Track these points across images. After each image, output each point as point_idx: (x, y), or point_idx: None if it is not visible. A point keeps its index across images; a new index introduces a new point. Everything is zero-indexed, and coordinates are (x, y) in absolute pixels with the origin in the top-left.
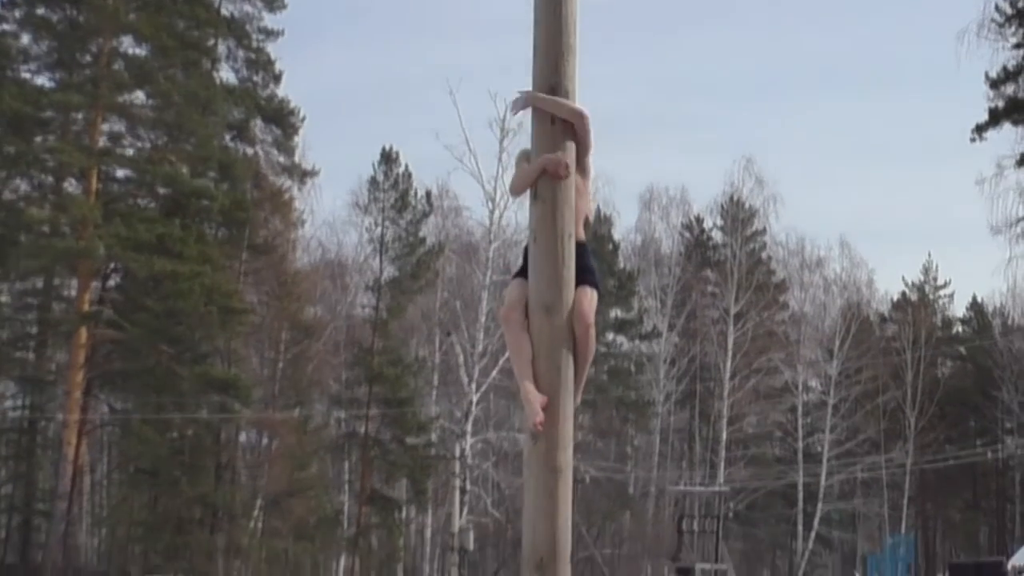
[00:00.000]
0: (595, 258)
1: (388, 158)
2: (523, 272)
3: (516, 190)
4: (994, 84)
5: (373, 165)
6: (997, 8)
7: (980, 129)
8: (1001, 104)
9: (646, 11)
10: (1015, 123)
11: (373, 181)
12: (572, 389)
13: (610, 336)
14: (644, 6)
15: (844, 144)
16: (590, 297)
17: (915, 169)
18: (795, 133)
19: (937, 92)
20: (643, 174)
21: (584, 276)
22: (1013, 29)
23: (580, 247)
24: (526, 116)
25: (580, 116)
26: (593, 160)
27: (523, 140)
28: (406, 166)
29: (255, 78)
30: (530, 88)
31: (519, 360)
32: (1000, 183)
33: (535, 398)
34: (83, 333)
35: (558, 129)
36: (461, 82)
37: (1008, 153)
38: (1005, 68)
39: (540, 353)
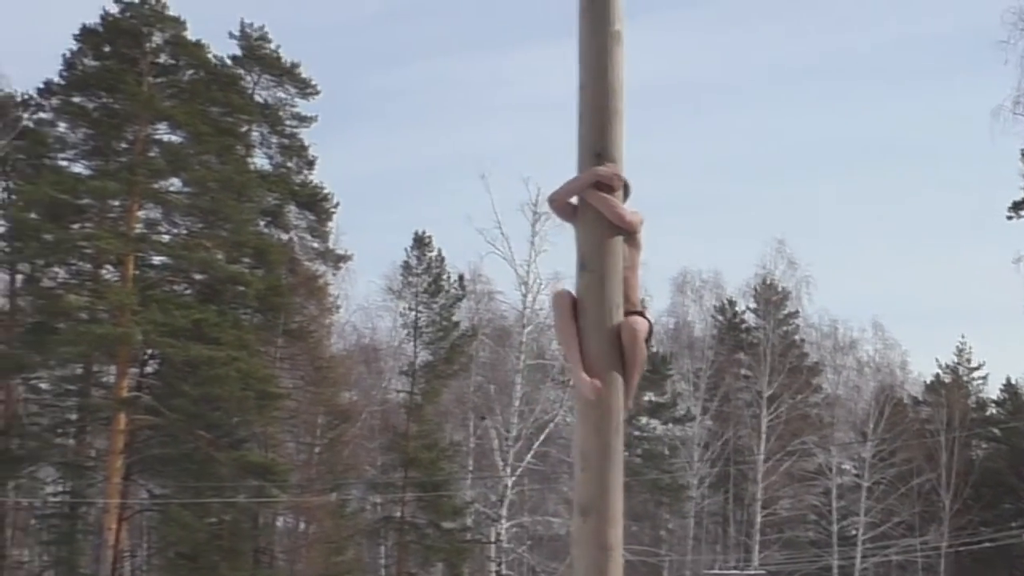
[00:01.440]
0: None
1: (421, 242)
2: None
3: (557, 199)
4: None
5: (406, 250)
6: None
7: (1017, 206)
8: None
9: (672, 93)
10: None
11: (406, 266)
12: (621, 465)
13: (643, 419)
14: (667, 89)
15: (877, 224)
16: (640, 319)
17: (949, 249)
18: (827, 213)
19: (971, 170)
20: (676, 258)
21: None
22: None
23: (639, 314)
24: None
25: (623, 221)
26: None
27: (555, 224)
28: (439, 250)
29: (289, 164)
30: (575, 160)
31: (567, 341)
32: None
33: (584, 375)
34: (122, 419)
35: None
36: (493, 166)
37: None
38: None
39: (588, 429)
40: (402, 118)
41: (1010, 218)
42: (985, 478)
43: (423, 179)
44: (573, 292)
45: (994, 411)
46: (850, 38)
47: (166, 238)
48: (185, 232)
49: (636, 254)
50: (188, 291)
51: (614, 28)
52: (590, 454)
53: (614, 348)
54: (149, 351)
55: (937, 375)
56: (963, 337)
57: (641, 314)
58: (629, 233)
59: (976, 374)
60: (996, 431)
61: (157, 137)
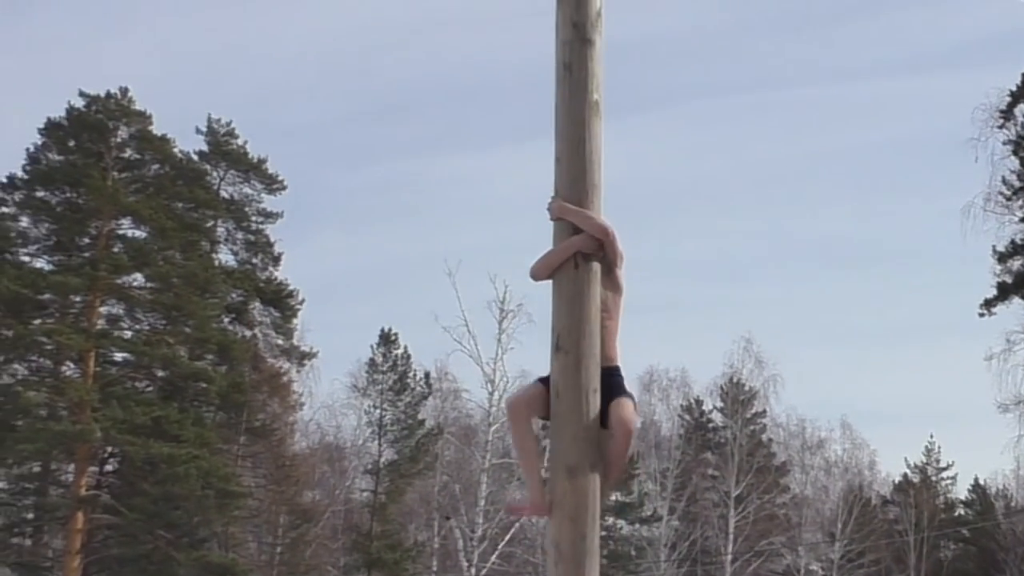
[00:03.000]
0: None
1: (387, 340)
2: (546, 380)
3: (539, 273)
4: (1002, 258)
5: (372, 347)
6: (1004, 181)
7: (989, 304)
8: (1009, 278)
9: (638, 194)
10: None
11: (372, 363)
12: (597, 556)
13: (610, 520)
14: (635, 188)
15: (844, 322)
16: (631, 407)
17: (917, 348)
18: (795, 312)
19: (940, 269)
20: (643, 356)
21: (621, 392)
22: (1021, 202)
23: (613, 371)
24: (526, 298)
25: (604, 232)
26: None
27: (522, 321)
28: (405, 348)
29: (254, 260)
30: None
31: (525, 456)
32: (1009, 359)
33: (538, 496)
34: (80, 518)
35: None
36: (460, 263)
37: (1017, 328)
38: (1013, 242)
39: (562, 517)
40: (369, 215)
41: (982, 315)
42: None
43: (389, 276)
44: (527, 397)
45: (963, 512)
46: (817, 142)
47: (128, 334)
48: (147, 328)
49: (617, 298)
50: (149, 388)
51: (592, 98)
52: (564, 545)
53: (590, 437)
54: (109, 449)
55: (905, 475)
56: (932, 437)
57: (624, 390)
58: (610, 253)
59: (945, 474)
60: (965, 532)
61: (121, 232)
